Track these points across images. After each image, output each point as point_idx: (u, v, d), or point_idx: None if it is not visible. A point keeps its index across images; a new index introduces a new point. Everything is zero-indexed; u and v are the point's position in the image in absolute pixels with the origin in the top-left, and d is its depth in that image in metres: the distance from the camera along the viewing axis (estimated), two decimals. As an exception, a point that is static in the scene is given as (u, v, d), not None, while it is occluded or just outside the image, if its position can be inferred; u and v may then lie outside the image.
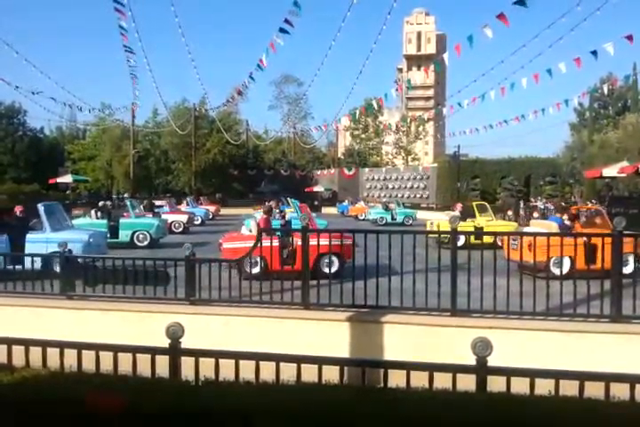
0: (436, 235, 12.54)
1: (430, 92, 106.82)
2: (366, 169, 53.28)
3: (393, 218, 28.88)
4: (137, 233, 17.53)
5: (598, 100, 51.52)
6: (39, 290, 7.86)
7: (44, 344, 4.16)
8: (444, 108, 31.34)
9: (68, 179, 36.94)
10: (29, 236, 11.40)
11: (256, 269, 8.60)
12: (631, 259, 9.05)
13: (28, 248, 10.93)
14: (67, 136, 63.10)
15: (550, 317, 6.46)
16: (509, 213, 27.34)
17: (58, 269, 8.39)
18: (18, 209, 12.69)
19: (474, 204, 18.51)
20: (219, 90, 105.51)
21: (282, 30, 11.66)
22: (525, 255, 7.14)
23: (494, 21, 11.82)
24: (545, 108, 22.08)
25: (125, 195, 42.51)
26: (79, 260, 8.58)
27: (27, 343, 4.18)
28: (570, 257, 8.27)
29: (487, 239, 8.64)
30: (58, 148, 57.62)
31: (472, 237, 8.96)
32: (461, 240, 10.01)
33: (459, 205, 19.19)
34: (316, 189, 49.52)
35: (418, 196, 45.74)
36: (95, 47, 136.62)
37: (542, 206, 29.07)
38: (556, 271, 8.68)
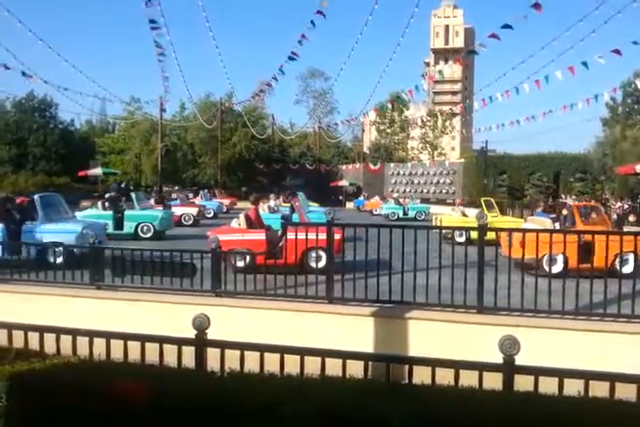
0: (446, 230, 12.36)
1: (457, 87, 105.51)
2: (392, 164, 52.85)
3: (405, 213, 28.98)
4: (141, 225, 17.21)
5: (632, 95, 50.05)
6: (69, 279, 8.03)
7: (75, 333, 4.24)
8: (474, 102, 30.88)
9: (97, 171, 37.62)
10: (25, 226, 11.46)
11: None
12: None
13: (23, 238, 10.97)
14: (97, 130, 64.12)
15: (580, 316, 6.34)
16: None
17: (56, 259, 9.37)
18: (20, 200, 12.57)
19: (482, 200, 19.18)
20: (244, 85, 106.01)
21: (312, 23, 11.65)
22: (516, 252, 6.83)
23: (525, 13, 11.57)
24: (574, 104, 21.60)
25: (154, 188, 43.07)
26: (107, 251, 8.69)
27: (58, 332, 4.28)
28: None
29: (491, 235, 8.18)
30: (88, 141, 58.63)
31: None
32: (464, 237, 10.01)
33: (460, 201, 22.42)
34: (340, 183, 49.47)
35: (444, 191, 45.23)
36: (125, 41, 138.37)
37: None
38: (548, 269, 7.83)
